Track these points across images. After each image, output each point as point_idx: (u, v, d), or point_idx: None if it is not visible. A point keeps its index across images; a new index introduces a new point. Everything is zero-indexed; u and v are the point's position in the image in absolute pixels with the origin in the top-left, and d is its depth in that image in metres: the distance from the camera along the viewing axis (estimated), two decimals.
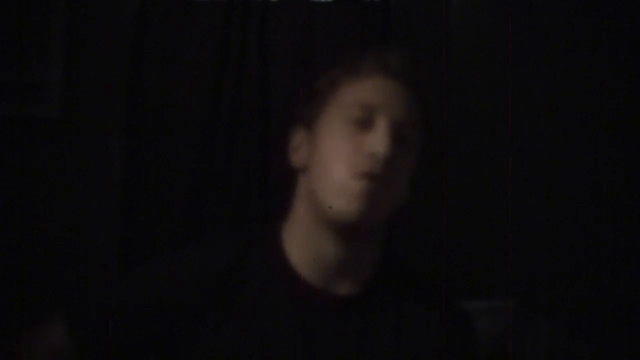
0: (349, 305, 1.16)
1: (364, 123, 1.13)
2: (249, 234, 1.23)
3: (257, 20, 1.63)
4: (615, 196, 1.85)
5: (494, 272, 1.85)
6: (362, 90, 1.14)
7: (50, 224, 1.65)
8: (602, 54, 1.84)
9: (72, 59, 1.69)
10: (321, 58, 1.62)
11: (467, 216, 1.86)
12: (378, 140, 1.10)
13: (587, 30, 1.84)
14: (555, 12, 1.84)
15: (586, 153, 1.85)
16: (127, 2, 1.66)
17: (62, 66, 1.68)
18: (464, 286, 1.79)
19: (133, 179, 1.62)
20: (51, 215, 1.65)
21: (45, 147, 1.68)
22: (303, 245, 1.16)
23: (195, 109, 1.63)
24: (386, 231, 1.22)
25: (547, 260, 1.85)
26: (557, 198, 1.86)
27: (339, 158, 1.11)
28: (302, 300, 1.14)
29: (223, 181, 1.61)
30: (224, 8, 1.62)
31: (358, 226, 1.11)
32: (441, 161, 1.76)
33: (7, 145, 1.66)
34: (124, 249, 1.60)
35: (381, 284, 1.18)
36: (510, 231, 1.86)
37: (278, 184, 1.44)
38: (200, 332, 1.11)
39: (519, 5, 1.82)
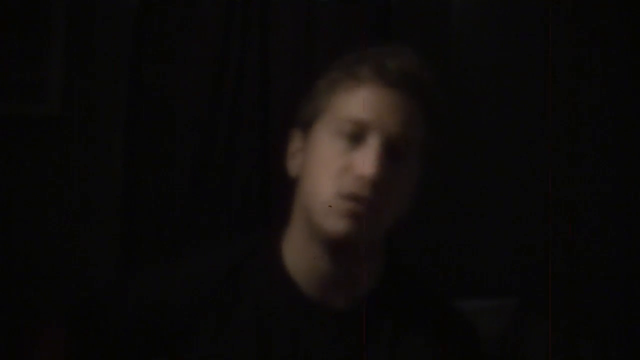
0: (346, 320, 1.14)
1: (356, 138, 1.10)
2: (250, 240, 1.22)
3: (257, 19, 1.62)
4: (616, 195, 1.85)
5: (494, 271, 1.85)
6: (356, 103, 1.10)
7: (50, 222, 1.65)
8: (602, 53, 1.84)
9: (72, 57, 1.68)
10: (321, 57, 1.62)
11: (467, 216, 1.86)
12: (367, 162, 1.06)
13: (587, 30, 1.84)
14: (555, 12, 1.84)
15: (588, 152, 1.85)
16: (127, 0, 1.66)
17: (62, 64, 1.68)
18: (464, 285, 1.80)
19: (133, 177, 1.62)
20: (51, 214, 1.65)
21: (45, 145, 1.68)
22: (300, 256, 1.14)
23: (196, 108, 1.63)
24: (386, 244, 1.20)
25: (548, 260, 1.85)
26: (558, 198, 1.86)
27: (327, 176, 1.08)
28: (299, 312, 1.13)
29: (223, 181, 1.61)
30: (224, 7, 1.62)
31: (348, 245, 1.10)
32: (442, 162, 1.76)
33: (7, 144, 1.66)
34: (124, 249, 1.60)
35: (381, 297, 1.17)
36: (511, 230, 1.86)
37: (279, 186, 1.44)
38: (197, 338, 1.11)
39: (519, 5, 1.82)
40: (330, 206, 1.07)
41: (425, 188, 1.33)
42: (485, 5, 1.86)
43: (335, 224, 1.06)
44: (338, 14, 1.64)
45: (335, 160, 1.08)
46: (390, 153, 1.08)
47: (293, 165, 1.17)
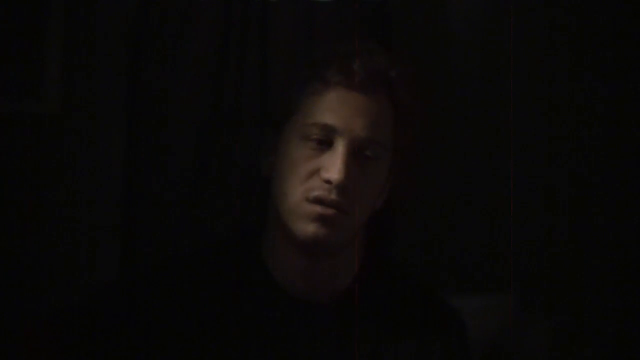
0: (329, 314, 1.16)
1: (323, 142, 1.11)
2: (230, 241, 1.23)
3: (257, 19, 1.62)
4: (616, 194, 1.85)
5: (492, 268, 1.85)
6: (323, 108, 1.12)
7: (48, 222, 1.64)
8: (602, 53, 1.84)
9: (71, 54, 1.67)
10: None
11: (464, 212, 1.87)
12: (333, 167, 1.08)
13: (587, 30, 1.84)
14: (554, 12, 1.84)
15: (588, 151, 1.86)
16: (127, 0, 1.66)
17: (60, 61, 1.67)
18: (461, 282, 1.80)
19: (133, 177, 1.62)
20: (49, 214, 1.64)
21: (44, 144, 1.67)
22: (277, 254, 1.16)
23: (196, 107, 1.63)
24: (365, 235, 1.21)
25: (546, 256, 1.86)
26: (557, 194, 1.87)
27: (296, 180, 1.10)
28: (281, 308, 1.14)
29: (223, 181, 1.61)
30: (224, 7, 1.62)
31: (317, 249, 1.11)
32: (438, 158, 1.77)
33: (4, 142, 1.65)
34: (123, 248, 1.60)
35: (361, 290, 1.18)
36: (508, 227, 1.86)
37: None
38: (184, 342, 1.12)
39: (519, 5, 1.82)
40: None
41: (421, 185, 1.34)
42: (484, 4, 1.86)
43: (304, 227, 1.09)
44: (338, 14, 1.64)
45: (304, 165, 1.10)
46: (357, 156, 1.10)
47: (265, 165, 1.18)
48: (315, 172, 1.10)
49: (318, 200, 1.09)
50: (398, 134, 1.17)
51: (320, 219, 1.08)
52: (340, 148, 1.09)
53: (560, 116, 1.86)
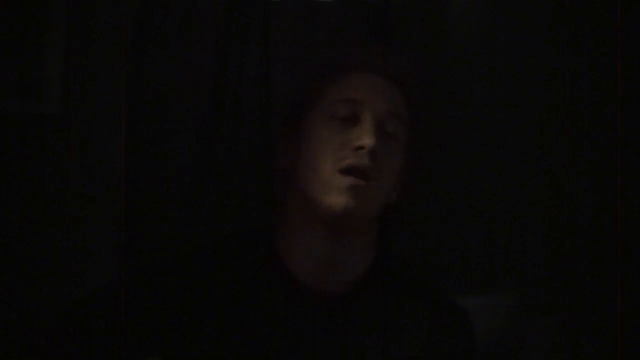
0: (339, 304, 1.17)
1: (349, 119, 1.14)
2: (243, 235, 1.23)
3: (257, 19, 1.63)
4: (615, 193, 1.85)
5: (492, 268, 1.85)
6: (345, 87, 1.16)
7: (49, 222, 1.64)
8: (602, 54, 1.84)
9: (71, 54, 1.68)
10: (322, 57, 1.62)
11: (465, 211, 1.87)
12: (364, 133, 1.12)
13: (587, 31, 1.84)
14: (554, 12, 1.84)
15: (587, 151, 1.86)
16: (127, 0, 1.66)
17: (61, 61, 1.67)
18: (461, 282, 1.80)
19: (133, 177, 1.62)
20: (49, 214, 1.65)
21: (44, 144, 1.67)
22: (294, 245, 1.17)
23: (196, 108, 1.63)
24: (377, 229, 1.22)
25: (547, 256, 1.86)
26: (556, 194, 1.87)
27: (325, 154, 1.13)
28: (293, 299, 1.15)
29: (224, 180, 1.62)
30: (224, 7, 1.62)
31: (346, 222, 1.12)
32: (438, 157, 1.77)
33: (5, 142, 1.66)
34: (124, 247, 1.60)
35: (372, 282, 1.19)
36: (509, 226, 1.87)
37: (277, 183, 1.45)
38: (194, 330, 1.13)
39: (519, 6, 1.82)
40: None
41: (420, 183, 1.34)
42: (485, 4, 1.86)
43: (336, 199, 1.10)
44: (338, 14, 1.64)
45: (333, 139, 1.13)
46: (380, 131, 1.12)
47: (285, 159, 1.19)
48: (345, 144, 1.13)
49: (350, 168, 1.11)
50: (410, 126, 1.20)
51: (352, 189, 1.11)
52: (367, 119, 1.14)
53: (561, 115, 1.86)
